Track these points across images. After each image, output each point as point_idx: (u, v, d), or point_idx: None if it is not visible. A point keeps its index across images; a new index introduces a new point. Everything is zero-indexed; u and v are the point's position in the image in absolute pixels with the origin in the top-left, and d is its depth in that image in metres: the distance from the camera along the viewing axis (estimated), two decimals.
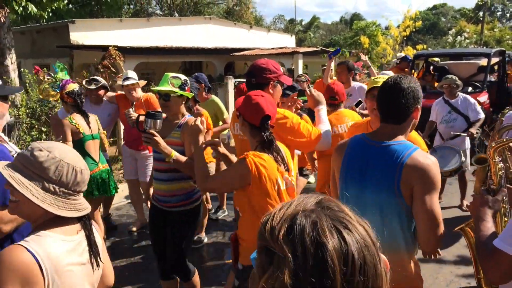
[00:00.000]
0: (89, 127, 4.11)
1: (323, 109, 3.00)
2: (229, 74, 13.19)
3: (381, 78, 2.92)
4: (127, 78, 4.67)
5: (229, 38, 18.83)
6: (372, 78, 3.25)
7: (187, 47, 15.85)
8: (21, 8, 9.61)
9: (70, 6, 22.54)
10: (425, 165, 1.86)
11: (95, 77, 5.10)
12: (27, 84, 8.33)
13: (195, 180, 2.94)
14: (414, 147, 1.93)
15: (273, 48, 18.01)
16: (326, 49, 18.33)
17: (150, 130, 2.87)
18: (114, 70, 9.32)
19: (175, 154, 2.92)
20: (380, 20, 64.27)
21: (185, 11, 29.39)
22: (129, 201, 6.20)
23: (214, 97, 5.29)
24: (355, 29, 30.35)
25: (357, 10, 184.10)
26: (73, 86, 4.14)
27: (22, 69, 8.67)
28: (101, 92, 4.90)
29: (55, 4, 11.25)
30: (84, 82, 4.99)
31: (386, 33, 27.49)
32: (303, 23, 56.84)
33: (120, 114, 5.03)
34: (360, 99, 4.72)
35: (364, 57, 7.63)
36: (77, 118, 4.06)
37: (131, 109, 4.48)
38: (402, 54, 11.58)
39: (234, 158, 2.81)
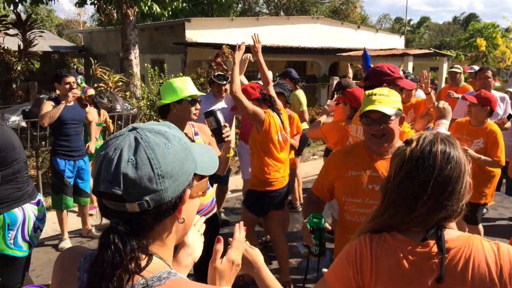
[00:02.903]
0: (99, 116, 5.92)
1: (442, 124, 2.69)
2: (333, 75, 13.04)
3: (377, 96, 2.11)
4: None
5: (335, 38, 18.59)
6: (367, 94, 2.19)
7: (293, 47, 15.96)
8: (146, 8, 10.38)
9: (184, 4, 23.85)
10: None
11: (221, 73, 5.31)
12: (149, 78, 8.97)
13: None
14: None
15: (381, 49, 17.44)
16: (439, 51, 17.32)
17: (222, 124, 2.81)
18: (225, 68, 9.69)
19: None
20: (500, 21, 59.17)
21: (291, 10, 29.61)
22: (236, 194, 6.40)
23: (299, 91, 5.84)
24: (471, 30, 28.31)
25: (472, 10, 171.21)
26: (91, 91, 6.09)
27: (146, 64, 9.33)
28: (226, 86, 5.04)
29: (175, 4, 12.00)
30: (213, 77, 5.14)
31: (506, 35, 25.29)
32: (411, 22, 54.23)
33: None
34: (511, 112, 4.47)
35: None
36: (92, 111, 5.50)
37: None
38: None
39: None
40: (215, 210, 3.17)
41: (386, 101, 2.10)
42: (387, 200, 1.30)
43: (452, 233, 1.26)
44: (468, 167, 1.28)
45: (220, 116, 2.83)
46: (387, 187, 1.32)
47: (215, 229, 3.10)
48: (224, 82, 4.85)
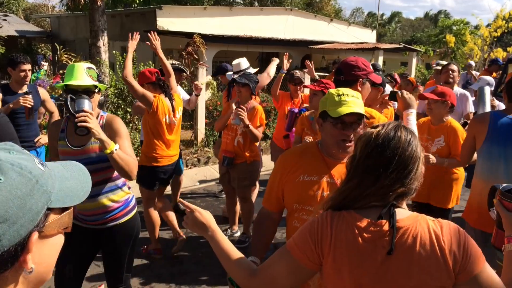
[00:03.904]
0: None
1: (412, 114, 2.80)
2: (305, 67, 13.03)
3: (349, 97, 1.92)
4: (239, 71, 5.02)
5: (308, 30, 18.64)
6: (335, 94, 1.94)
7: (266, 38, 15.93)
8: None
9: None
10: None
11: (174, 62, 5.39)
12: (116, 66, 8.80)
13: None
14: None
15: (352, 43, 17.60)
16: (409, 46, 17.60)
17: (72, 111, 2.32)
18: (196, 57, 9.60)
19: (116, 146, 2.38)
20: (469, 18, 60.51)
21: (265, 1, 29.50)
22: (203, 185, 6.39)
23: None
24: (441, 26, 28.89)
25: (444, 6, 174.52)
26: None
27: (114, 51, 9.15)
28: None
29: None
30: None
31: (474, 32, 25.90)
32: (384, 17, 54.88)
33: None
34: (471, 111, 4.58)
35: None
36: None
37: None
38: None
39: None
40: (125, 218, 2.74)
41: (359, 104, 1.93)
42: (352, 173, 1.43)
43: (403, 213, 1.41)
44: (422, 156, 1.43)
45: (75, 102, 2.35)
46: (352, 162, 1.44)
47: (129, 236, 2.76)
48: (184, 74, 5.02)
